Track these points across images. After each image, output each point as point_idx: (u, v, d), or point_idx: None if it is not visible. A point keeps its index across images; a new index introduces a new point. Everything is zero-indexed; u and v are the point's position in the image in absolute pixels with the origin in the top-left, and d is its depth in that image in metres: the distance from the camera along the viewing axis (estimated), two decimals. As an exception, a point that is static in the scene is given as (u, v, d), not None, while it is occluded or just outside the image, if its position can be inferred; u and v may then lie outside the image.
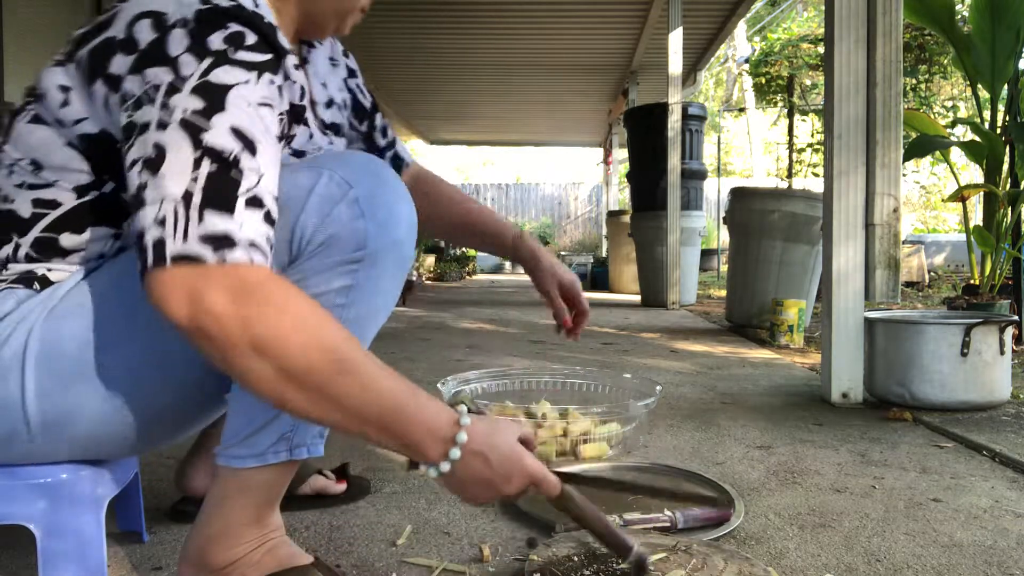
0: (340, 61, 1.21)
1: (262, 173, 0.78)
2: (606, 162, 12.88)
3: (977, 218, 6.71)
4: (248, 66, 0.81)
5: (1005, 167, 3.43)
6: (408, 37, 7.22)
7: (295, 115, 1.00)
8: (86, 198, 0.88)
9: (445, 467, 0.82)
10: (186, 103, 0.77)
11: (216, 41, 0.80)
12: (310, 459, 1.37)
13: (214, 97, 0.77)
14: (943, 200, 8.65)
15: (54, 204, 0.88)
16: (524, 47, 7.57)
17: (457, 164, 27.24)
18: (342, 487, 1.40)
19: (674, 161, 5.61)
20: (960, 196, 3.39)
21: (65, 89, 0.87)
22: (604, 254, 10.32)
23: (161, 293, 0.72)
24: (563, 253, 12.07)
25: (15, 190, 0.89)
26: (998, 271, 3.37)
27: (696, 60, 7.93)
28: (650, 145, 6.04)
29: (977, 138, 3.45)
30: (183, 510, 1.28)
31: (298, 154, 1.05)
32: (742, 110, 14.95)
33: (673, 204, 5.63)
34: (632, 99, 8.08)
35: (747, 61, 11.88)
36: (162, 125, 0.76)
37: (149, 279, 0.73)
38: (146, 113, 0.78)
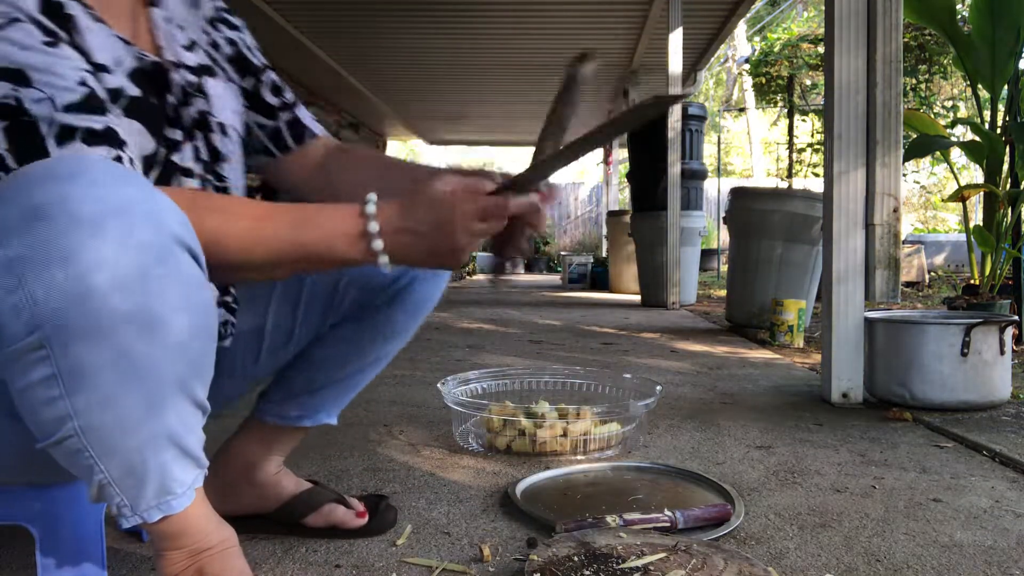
0: (205, 4, 1.06)
1: (49, 83, 0.75)
2: (606, 162, 12.88)
3: (977, 218, 6.72)
4: None
5: (1005, 167, 3.43)
6: (408, 37, 7.22)
7: (52, 9, 0.81)
8: None
9: (383, 259, 0.79)
10: None
11: None
12: (324, 486, 1.25)
13: None
14: (943, 200, 8.66)
15: None
16: (524, 47, 7.57)
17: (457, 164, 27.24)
18: (362, 521, 1.22)
19: (674, 161, 5.61)
20: (960, 196, 3.39)
21: None
22: (604, 254, 10.32)
23: None
24: (563, 253, 12.05)
25: None
26: (998, 271, 3.37)
27: (696, 60, 7.93)
28: (650, 145, 6.04)
29: (977, 138, 3.45)
30: (183, 510, 1.27)
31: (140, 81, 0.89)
32: (742, 110, 14.96)
33: (673, 204, 5.62)
34: (632, 99, 8.08)
35: (747, 61, 11.89)
36: None
37: None
38: None
